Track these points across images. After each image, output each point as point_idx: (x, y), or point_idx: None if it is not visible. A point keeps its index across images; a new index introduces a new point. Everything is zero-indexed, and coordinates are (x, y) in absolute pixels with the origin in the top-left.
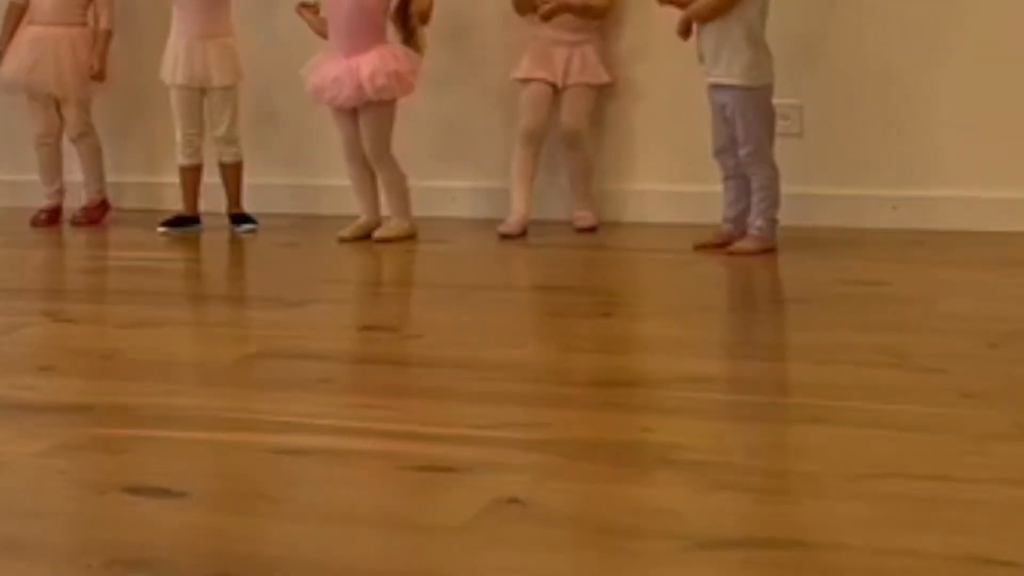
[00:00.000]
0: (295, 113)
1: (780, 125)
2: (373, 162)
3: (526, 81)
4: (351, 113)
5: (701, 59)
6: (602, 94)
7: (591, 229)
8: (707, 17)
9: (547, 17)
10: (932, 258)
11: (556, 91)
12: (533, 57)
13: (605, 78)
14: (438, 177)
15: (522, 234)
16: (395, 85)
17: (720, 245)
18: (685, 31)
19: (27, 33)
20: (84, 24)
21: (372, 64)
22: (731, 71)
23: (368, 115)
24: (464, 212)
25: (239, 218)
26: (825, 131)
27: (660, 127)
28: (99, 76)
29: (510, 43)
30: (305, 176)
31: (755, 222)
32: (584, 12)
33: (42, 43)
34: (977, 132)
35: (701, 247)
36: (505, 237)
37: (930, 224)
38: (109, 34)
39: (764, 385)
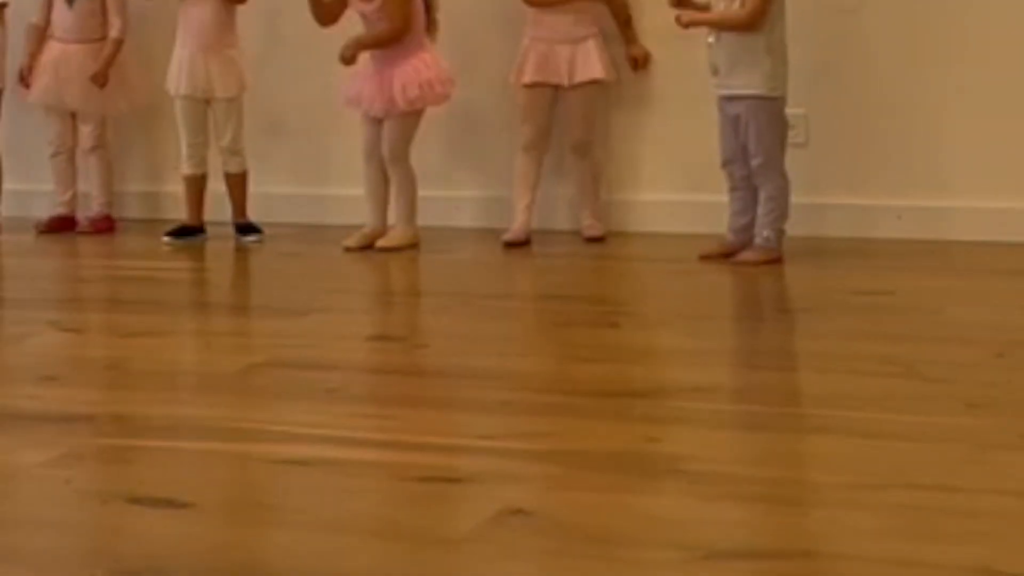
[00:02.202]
0: (300, 123)
1: None
2: (388, 162)
3: (529, 87)
4: (379, 118)
5: (714, 71)
6: (609, 103)
7: (599, 239)
8: (732, 27)
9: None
10: (939, 268)
11: (559, 91)
12: (536, 60)
13: (606, 75)
14: (442, 186)
15: (526, 241)
16: (427, 94)
17: (725, 255)
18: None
19: (51, 51)
20: (104, 38)
21: (405, 75)
22: (750, 81)
23: (394, 119)
24: (468, 221)
25: (244, 228)
26: (831, 141)
27: (666, 137)
28: (97, 79)
29: (515, 49)
30: (310, 186)
31: (762, 232)
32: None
33: (66, 62)
34: (983, 142)
35: (706, 257)
36: (510, 245)
37: (936, 234)
38: (118, 43)
39: (770, 395)
